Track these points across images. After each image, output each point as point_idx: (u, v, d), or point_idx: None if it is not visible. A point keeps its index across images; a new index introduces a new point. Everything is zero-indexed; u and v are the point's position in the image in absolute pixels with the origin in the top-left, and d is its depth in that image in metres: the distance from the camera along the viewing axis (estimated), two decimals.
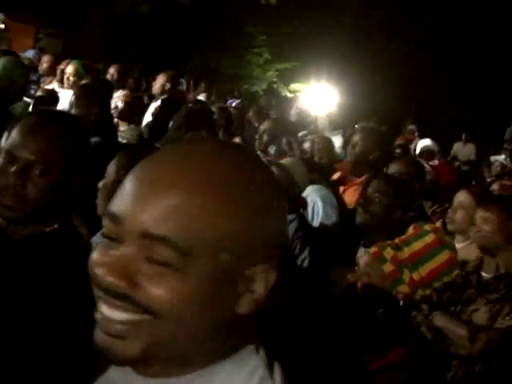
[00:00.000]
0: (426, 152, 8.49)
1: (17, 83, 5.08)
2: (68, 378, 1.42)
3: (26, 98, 5.37)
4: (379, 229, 3.20)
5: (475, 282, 3.09)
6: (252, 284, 0.87)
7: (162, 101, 5.98)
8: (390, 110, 16.82)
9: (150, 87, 7.48)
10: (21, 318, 1.53)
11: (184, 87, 10.19)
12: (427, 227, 2.88)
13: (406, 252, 2.60)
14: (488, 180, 8.38)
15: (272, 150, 4.67)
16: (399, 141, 8.73)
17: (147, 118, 6.05)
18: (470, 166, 13.00)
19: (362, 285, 2.47)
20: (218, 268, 0.85)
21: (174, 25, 15.17)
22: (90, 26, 14.44)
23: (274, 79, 18.12)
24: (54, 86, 6.19)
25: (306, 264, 3.53)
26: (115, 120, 5.11)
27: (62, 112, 2.84)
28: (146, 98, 7.13)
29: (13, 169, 1.63)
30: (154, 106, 6.13)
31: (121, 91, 5.69)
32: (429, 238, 2.71)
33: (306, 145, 5.19)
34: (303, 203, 3.79)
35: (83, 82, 5.46)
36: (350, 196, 4.21)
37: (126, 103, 5.24)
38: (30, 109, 4.87)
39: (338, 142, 6.49)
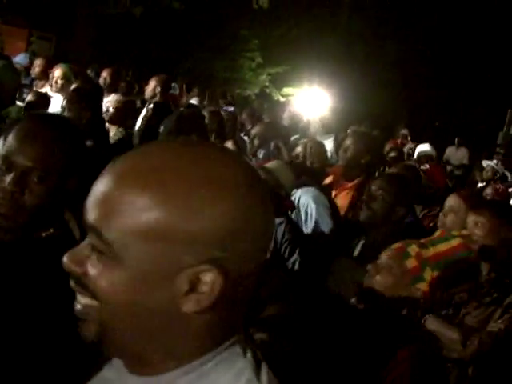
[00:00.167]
0: (423, 157, 8.50)
1: (6, 87, 5.06)
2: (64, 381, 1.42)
3: (19, 103, 5.37)
4: (381, 226, 3.24)
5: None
6: (197, 284, 0.87)
7: (154, 105, 5.98)
8: (382, 114, 16.89)
9: (142, 91, 7.48)
10: (15, 322, 1.52)
11: (177, 91, 10.19)
12: (454, 232, 2.90)
13: (431, 251, 2.59)
14: (479, 184, 8.43)
15: (260, 153, 4.69)
16: (390, 144, 8.74)
17: (140, 122, 6.05)
18: (462, 170, 13.06)
19: (380, 280, 2.44)
20: (150, 261, 0.86)
21: (166, 28, 15.17)
22: (81, 30, 14.42)
23: (267, 83, 18.15)
24: (47, 89, 6.18)
25: (296, 266, 3.54)
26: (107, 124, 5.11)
27: (57, 116, 2.81)
28: (138, 102, 7.13)
29: (10, 176, 1.58)
30: (146, 110, 6.13)
31: (113, 95, 5.68)
32: (455, 242, 2.71)
33: (299, 149, 5.19)
34: (291, 205, 3.80)
35: (74, 85, 5.46)
36: (342, 200, 4.22)
37: (116, 108, 5.24)
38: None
39: (329, 145, 6.50)
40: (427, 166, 6.56)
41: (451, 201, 3.71)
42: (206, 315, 0.89)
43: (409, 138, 13.10)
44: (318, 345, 2.20)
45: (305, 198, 3.96)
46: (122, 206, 0.86)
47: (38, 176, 1.59)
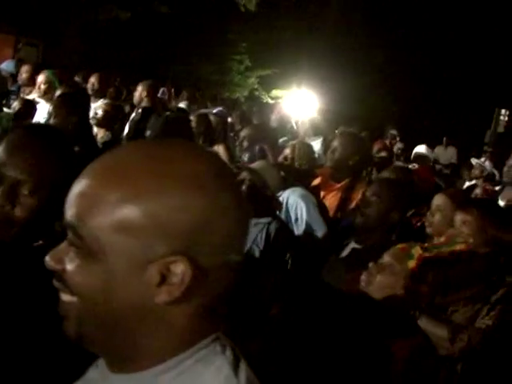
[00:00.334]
0: (419, 158, 8.53)
1: None
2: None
3: (6, 109, 5.35)
4: (375, 231, 3.26)
5: None
6: (168, 276, 0.90)
7: (142, 109, 5.99)
8: (371, 115, 16.92)
9: (131, 96, 7.46)
10: (4, 331, 1.53)
11: (166, 96, 10.18)
12: (459, 239, 2.92)
13: (434, 252, 2.61)
14: (467, 183, 8.46)
15: (245, 156, 4.70)
16: (379, 145, 8.77)
17: (128, 126, 6.06)
18: (451, 168, 13.14)
19: (381, 280, 2.46)
20: (123, 254, 0.89)
21: (154, 33, 15.16)
22: (69, 36, 14.39)
23: (255, 86, 18.18)
24: (34, 96, 6.17)
25: (289, 265, 3.56)
26: (94, 129, 5.11)
27: (46, 126, 2.77)
28: (127, 107, 7.12)
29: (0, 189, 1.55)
30: (135, 114, 6.14)
31: (102, 100, 5.68)
32: (459, 246, 2.74)
33: (287, 151, 5.21)
34: (278, 205, 3.81)
35: (59, 91, 5.44)
36: (330, 201, 4.23)
37: (105, 112, 5.24)
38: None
39: (317, 146, 6.51)
40: (416, 165, 6.60)
41: (438, 200, 3.73)
42: (181, 308, 0.92)
43: (398, 138, 13.16)
44: (318, 344, 2.21)
45: (293, 199, 3.98)
46: (96, 203, 0.89)
47: (29, 189, 1.56)
